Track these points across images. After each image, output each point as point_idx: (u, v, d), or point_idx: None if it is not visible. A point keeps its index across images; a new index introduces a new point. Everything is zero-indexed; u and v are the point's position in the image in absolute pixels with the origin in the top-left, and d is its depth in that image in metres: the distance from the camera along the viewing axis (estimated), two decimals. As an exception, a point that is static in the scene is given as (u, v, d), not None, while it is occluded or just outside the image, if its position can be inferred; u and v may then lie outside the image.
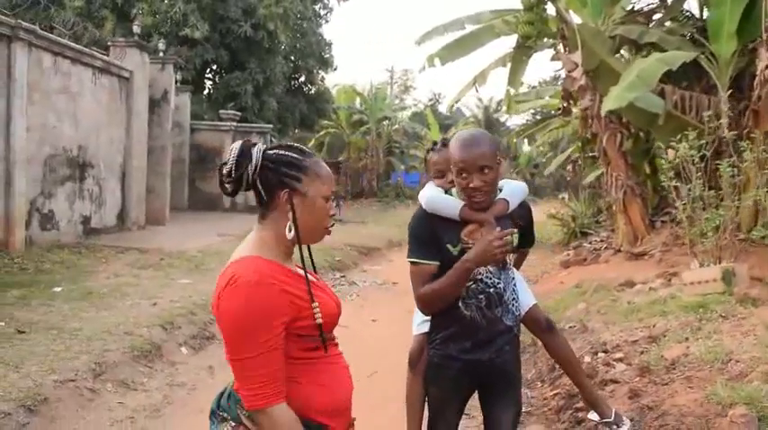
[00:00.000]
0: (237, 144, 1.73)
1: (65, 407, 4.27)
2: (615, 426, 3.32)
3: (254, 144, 1.74)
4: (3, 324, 5.65)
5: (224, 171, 1.72)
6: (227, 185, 1.74)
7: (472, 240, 2.36)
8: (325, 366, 1.75)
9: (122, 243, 11.17)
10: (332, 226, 1.81)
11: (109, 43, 13.90)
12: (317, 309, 1.68)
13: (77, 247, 10.33)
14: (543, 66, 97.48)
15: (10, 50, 9.37)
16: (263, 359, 1.60)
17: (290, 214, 1.70)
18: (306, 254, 1.77)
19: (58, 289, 7.26)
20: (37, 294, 6.93)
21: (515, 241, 2.52)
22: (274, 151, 1.74)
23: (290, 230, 1.70)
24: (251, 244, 1.75)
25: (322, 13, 26.09)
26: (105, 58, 12.72)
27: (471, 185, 2.35)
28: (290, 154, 1.75)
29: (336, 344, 1.84)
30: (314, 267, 1.83)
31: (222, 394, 1.78)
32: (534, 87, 24.04)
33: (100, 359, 4.99)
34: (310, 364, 1.72)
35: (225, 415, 1.72)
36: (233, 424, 1.69)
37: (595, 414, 3.42)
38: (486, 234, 2.31)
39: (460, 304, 2.43)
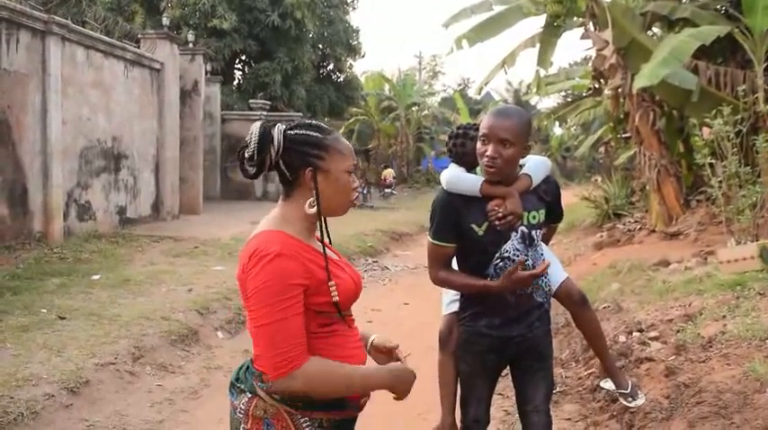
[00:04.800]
0: (257, 126, 1.73)
1: (106, 389, 4.39)
2: (630, 399, 3.28)
3: (274, 125, 1.75)
4: (45, 311, 5.80)
5: (246, 155, 1.72)
6: (248, 169, 1.74)
7: (500, 208, 2.35)
8: (340, 340, 1.77)
9: (157, 232, 11.34)
10: (356, 198, 1.83)
11: (139, 36, 14.00)
12: (334, 288, 1.70)
13: (114, 237, 10.51)
14: (573, 47, 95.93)
15: (44, 45, 9.51)
16: (294, 322, 1.64)
17: (314, 191, 1.73)
18: (325, 230, 1.78)
19: (97, 277, 7.41)
20: (76, 282, 7.09)
21: (542, 217, 2.50)
22: (295, 131, 1.75)
23: (310, 206, 1.72)
24: (273, 220, 1.78)
25: (349, 0, 26.04)
26: (136, 50, 12.83)
27: (487, 154, 2.34)
28: (311, 133, 1.75)
29: (353, 321, 1.86)
30: (330, 240, 1.83)
31: (241, 367, 1.82)
32: (565, 69, 23.67)
33: (138, 343, 5.11)
34: (325, 339, 1.74)
35: (242, 387, 1.76)
36: (249, 395, 1.73)
37: (611, 383, 3.38)
38: (516, 272, 2.28)
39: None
